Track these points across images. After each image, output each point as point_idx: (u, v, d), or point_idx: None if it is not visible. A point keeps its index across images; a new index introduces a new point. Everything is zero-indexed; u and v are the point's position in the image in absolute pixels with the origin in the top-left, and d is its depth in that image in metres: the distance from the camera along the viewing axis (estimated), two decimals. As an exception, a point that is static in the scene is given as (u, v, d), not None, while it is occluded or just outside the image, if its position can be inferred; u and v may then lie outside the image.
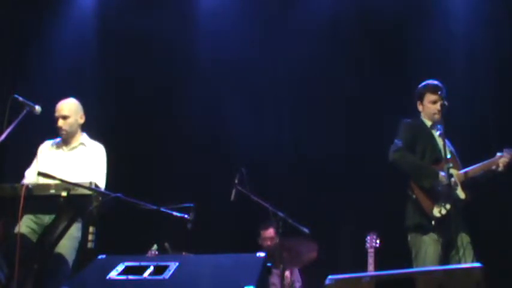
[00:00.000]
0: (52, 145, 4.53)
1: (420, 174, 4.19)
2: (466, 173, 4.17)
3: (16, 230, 3.81)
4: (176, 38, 6.30)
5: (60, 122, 4.41)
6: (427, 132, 4.34)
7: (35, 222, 4.16)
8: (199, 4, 6.54)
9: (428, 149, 4.27)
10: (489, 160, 4.14)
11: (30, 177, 4.35)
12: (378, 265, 4.57)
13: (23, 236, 3.90)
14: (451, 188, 4.01)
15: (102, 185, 4.29)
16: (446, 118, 4.20)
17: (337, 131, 6.00)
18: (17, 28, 6.22)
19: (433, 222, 4.08)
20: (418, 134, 4.33)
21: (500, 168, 4.09)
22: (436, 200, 4.10)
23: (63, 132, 4.43)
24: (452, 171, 4.08)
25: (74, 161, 4.40)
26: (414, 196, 4.18)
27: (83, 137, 4.53)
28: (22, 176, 4.43)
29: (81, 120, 4.52)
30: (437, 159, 4.20)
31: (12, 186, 3.48)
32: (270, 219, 4.57)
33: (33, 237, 4.07)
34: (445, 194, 4.06)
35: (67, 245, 4.14)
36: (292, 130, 6.20)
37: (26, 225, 4.07)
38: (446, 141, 4.17)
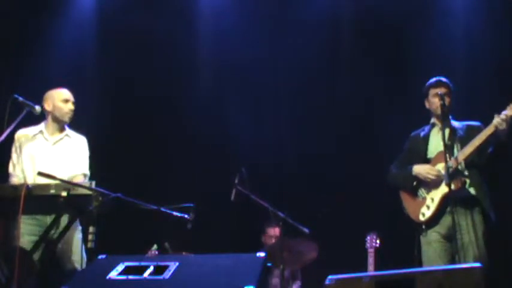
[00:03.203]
0: (33, 136, 4.38)
1: (402, 181, 4.34)
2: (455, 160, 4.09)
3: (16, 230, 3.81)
4: (176, 37, 6.29)
5: (72, 107, 4.44)
6: (422, 137, 4.38)
7: (38, 226, 4.11)
8: (199, 4, 6.53)
9: (419, 154, 4.32)
10: (484, 131, 4.01)
11: (19, 173, 4.27)
12: (378, 265, 4.58)
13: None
14: (441, 181, 4.09)
15: (87, 170, 4.39)
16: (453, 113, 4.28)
17: (337, 130, 6.00)
18: (17, 28, 6.21)
19: (423, 227, 4.19)
20: (412, 145, 4.43)
21: (503, 126, 3.91)
22: (422, 202, 4.20)
23: (70, 117, 4.44)
24: (439, 165, 4.13)
25: (60, 154, 4.36)
26: (404, 210, 4.31)
27: (67, 128, 4.50)
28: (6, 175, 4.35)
29: None
30: (427, 159, 4.28)
31: (12, 186, 3.49)
32: (275, 218, 4.58)
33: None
34: (432, 186, 4.14)
35: (79, 240, 4.18)
36: (292, 130, 6.20)
37: (30, 234, 4.01)
38: (458, 128, 4.24)
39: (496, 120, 3.94)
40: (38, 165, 4.18)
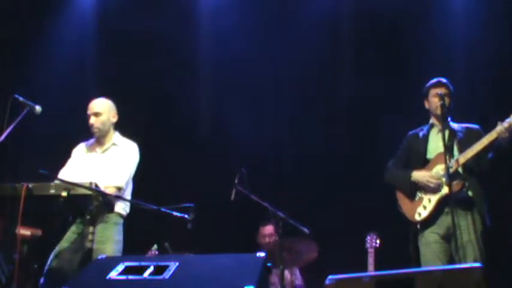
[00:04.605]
0: (86, 147, 4.45)
1: (400, 183, 4.34)
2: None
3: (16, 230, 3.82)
4: (176, 37, 6.29)
5: (92, 119, 4.34)
6: (421, 137, 4.37)
7: (77, 234, 4.07)
8: (199, 4, 6.53)
9: (419, 154, 4.32)
10: (486, 136, 4.01)
11: (64, 175, 4.23)
12: (378, 265, 4.58)
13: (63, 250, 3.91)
14: (440, 184, 4.10)
15: (123, 182, 4.21)
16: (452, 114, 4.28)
17: (337, 130, 6.00)
18: (17, 28, 6.21)
19: (418, 226, 4.20)
20: (411, 145, 4.42)
21: (505, 135, 3.91)
22: (419, 202, 4.20)
23: (95, 130, 4.35)
24: (439, 166, 4.14)
25: (107, 164, 4.31)
26: (399, 208, 4.32)
27: (115, 137, 4.45)
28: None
29: (114, 119, 4.43)
30: (426, 160, 4.28)
31: (12, 186, 3.49)
32: (268, 216, 4.58)
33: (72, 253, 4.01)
34: (431, 191, 4.14)
35: (114, 249, 4.12)
36: (292, 130, 6.20)
37: (68, 241, 4.01)
38: (458, 130, 4.25)
39: (499, 128, 3.94)
40: (83, 174, 4.14)
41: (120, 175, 4.23)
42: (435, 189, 4.13)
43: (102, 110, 4.38)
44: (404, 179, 4.29)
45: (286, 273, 5.01)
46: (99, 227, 3.83)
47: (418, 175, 4.21)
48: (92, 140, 4.48)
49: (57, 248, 3.98)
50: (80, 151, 4.46)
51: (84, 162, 4.37)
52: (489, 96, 5.52)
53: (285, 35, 6.26)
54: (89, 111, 4.38)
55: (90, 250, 3.61)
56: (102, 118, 4.36)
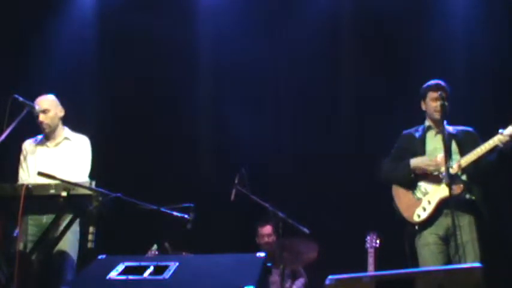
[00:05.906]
0: (36, 143, 4.49)
1: (398, 173, 4.30)
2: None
3: (16, 230, 3.82)
4: (176, 37, 6.29)
5: (42, 117, 4.37)
6: (418, 138, 4.36)
7: (36, 226, 4.13)
8: (199, 4, 6.53)
9: (416, 156, 4.29)
10: (488, 142, 4.02)
11: (26, 178, 4.32)
12: (377, 265, 4.58)
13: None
14: (440, 180, 4.10)
15: (85, 177, 4.23)
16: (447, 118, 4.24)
17: (337, 130, 6.00)
18: (17, 28, 6.21)
19: (416, 227, 4.19)
20: (407, 145, 4.41)
21: (506, 145, 3.94)
22: (418, 203, 4.19)
23: (45, 127, 4.40)
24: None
25: (60, 157, 4.38)
26: (395, 206, 4.30)
27: (66, 131, 4.51)
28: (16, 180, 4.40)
29: (61, 114, 4.49)
30: None
31: (12, 186, 3.49)
32: (267, 216, 4.59)
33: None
34: (431, 192, 4.14)
35: (70, 240, 4.15)
36: (292, 130, 6.20)
37: (29, 233, 4.04)
38: (454, 132, 4.25)
39: (499, 137, 3.95)
40: (40, 170, 4.15)
41: (82, 172, 4.30)
42: (435, 179, 4.12)
43: (50, 106, 4.43)
44: (403, 168, 4.26)
45: (288, 273, 5.02)
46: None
47: (417, 160, 4.21)
48: (40, 136, 4.51)
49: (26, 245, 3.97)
50: (30, 147, 4.47)
51: (37, 158, 4.40)
52: (489, 97, 5.52)
53: (285, 35, 6.26)
54: (40, 109, 4.39)
55: (92, 250, 3.61)
56: (51, 114, 4.42)
